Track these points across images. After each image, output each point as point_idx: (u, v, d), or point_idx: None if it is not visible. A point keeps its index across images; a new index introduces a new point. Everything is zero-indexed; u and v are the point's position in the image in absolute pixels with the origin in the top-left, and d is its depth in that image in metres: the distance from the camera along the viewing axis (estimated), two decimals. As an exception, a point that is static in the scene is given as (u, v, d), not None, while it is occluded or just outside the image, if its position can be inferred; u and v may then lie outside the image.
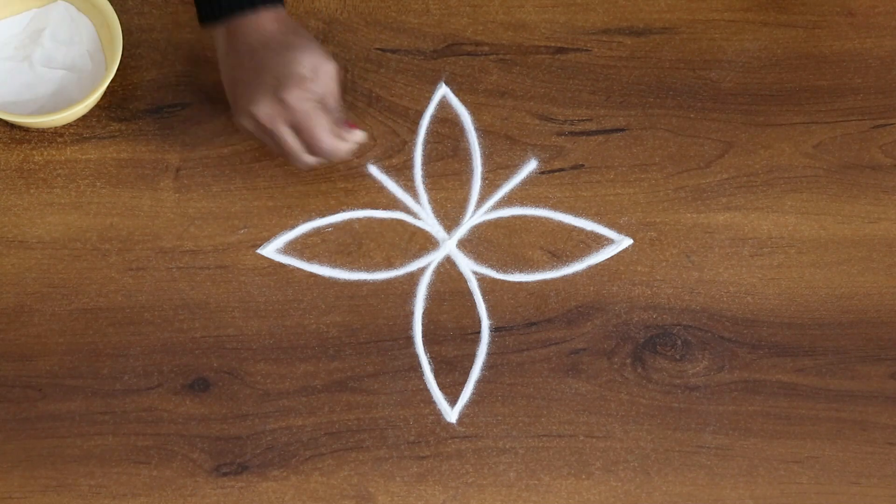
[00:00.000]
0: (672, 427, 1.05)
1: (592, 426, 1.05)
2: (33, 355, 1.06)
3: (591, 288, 1.09)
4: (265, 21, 1.03)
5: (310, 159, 1.05)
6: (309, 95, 1.02)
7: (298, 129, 1.03)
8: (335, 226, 1.10)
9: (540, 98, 1.15)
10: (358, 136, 1.06)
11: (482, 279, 1.09)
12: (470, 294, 1.09)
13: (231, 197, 1.11)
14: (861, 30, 1.18)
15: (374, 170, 1.12)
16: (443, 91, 1.15)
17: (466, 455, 1.04)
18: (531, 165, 1.13)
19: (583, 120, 1.14)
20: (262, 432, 1.04)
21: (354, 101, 1.14)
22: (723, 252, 1.10)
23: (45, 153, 1.12)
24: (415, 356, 1.07)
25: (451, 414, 1.05)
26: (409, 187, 1.12)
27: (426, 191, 1.12)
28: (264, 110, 1.02)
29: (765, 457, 1.05)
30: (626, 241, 1.11)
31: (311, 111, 1.02)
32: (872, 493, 1.04)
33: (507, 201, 1.12)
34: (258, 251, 1.09)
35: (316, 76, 1.02)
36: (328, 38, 1.16)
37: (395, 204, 1.12)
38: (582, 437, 1.05)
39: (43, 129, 1.12)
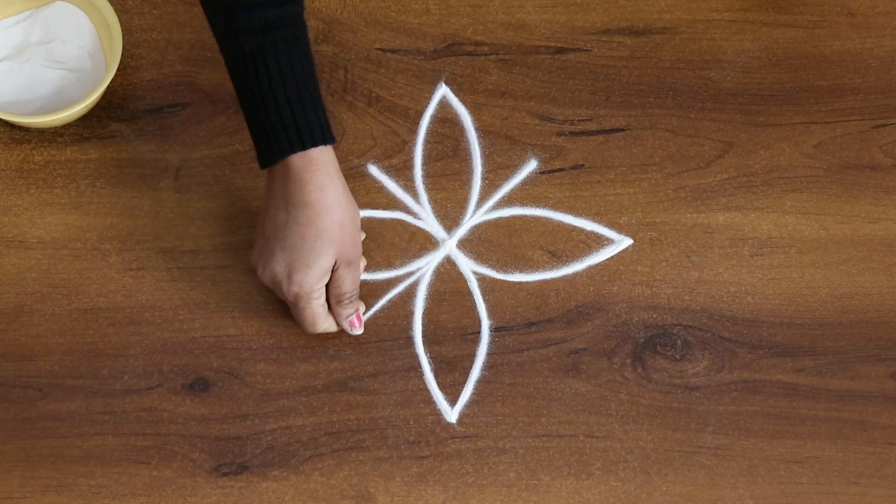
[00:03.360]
0: (672, 427, 1.05)
1: (592, 426, 1.05)
2: (33, 355, 1.06)
3: (592, 288, 1.09)
4: (306, 169, 0.99)
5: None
6: (311, 287, 1.02)
7: (292, 308, 1.04)
8: (335, 226, 1.11)
9: (540, 98, 1.15)
10: (356, 332, 1.06)
11: (482, 279, 1.10)
12: (470, 294, 1.09)
13: (231, 197, 1.11)
14: (861, 30, 1.18)
15: (373, 169, 1.13)
16: (443, 91, 1.15)
17: (466, 455, 1.04)
18: (531, 165, 1.13)
19: (583, 120, 1.15)
20: (262, 432, 1.04)
21: (354, 101, 1.15)
22: (723, 252, 1.11)
23: (45, 153, 1.12)
24: (415, 356, 1.07)
25: (451, 414, 1.05)
26: (409, 187, 1.12)
27: (426, 191, 1.12)
28: (267, 277, 1.03)
29: (765, 457, 1.05)
30: (627, 241, 1.11)
31: (302, 303, 1.03)
32: (872, 493, 1.04)
33: (507, 201, 1.12)
34: (258, 251, 1.10)
35: (331, 275, 1.03)
36: (328, 38, 1.16)
37: (395, 204, 1.12)
38: (582, 437, 1.05)
39: (43, 129, 1.12)
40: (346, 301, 1.05)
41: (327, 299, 1.05)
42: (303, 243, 1.00)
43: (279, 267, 1.02)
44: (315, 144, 0.98)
